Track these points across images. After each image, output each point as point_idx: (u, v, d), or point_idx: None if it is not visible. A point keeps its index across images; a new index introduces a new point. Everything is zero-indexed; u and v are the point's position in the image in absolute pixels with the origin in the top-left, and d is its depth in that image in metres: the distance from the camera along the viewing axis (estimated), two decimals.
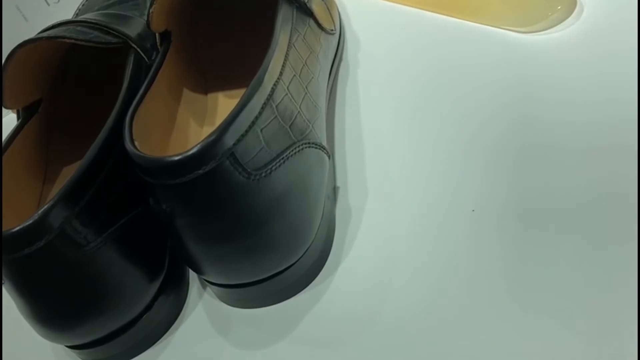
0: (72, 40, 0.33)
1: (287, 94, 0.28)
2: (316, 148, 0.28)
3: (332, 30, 0.38)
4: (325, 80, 0.35)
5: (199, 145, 0.23)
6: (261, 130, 0.25)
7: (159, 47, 0.35)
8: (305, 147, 0.27)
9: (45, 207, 0.24)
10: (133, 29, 0.37)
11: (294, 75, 0.29)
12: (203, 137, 0.35)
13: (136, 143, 0.25)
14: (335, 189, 0.33)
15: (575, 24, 0.35)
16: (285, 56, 0.29)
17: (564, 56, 0.35)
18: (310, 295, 0.30)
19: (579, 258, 0.28)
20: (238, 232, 0.25)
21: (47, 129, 0.38)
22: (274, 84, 0.27)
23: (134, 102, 0.28)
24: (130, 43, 0.36)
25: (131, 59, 0.36)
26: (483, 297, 0.28)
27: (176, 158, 0.23)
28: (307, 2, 0.35)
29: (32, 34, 0.35)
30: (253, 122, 0.24)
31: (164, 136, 0.32)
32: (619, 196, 0.29)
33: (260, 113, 0.25)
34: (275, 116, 0.26)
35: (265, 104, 0.26)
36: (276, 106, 0.26)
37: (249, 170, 0.24)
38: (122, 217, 0.28)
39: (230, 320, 0.30)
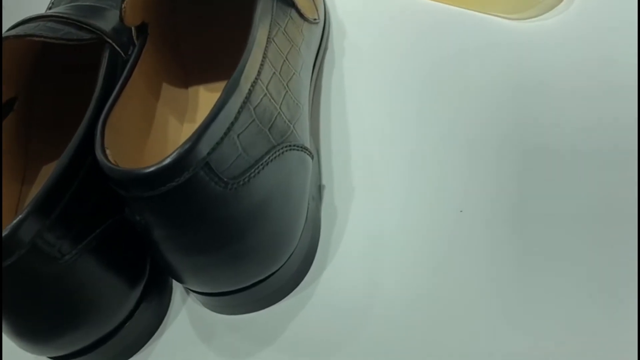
0: (42, 39, 0.32)
1: (266, 94, 0.26)
2: (298, 150, 0.27)
3: (315, 19, 0.36)
4: (309, 74, 0.33)
5: (171, 156, 0.21)
6: (238, 136, 0.24)
7: (135, 41, 0.34)
8: (286, 151, 0.26)
9: (14, 222, 0.23)
10: (108, 22, 0.36)
11: (274, 72, 0.28)
12: (183, 135, 0.35)
13: (108, 152, 0.24)
14: (320, 188, 0.32)
15: (569, 9, 0.34)
16: (264, 53, 0.28)
17: (556, 43, 0.34)
18: (296, 300, 0.29)
19: (569, 256, 0.27)
20: (216, 243, 0.24)
21: (25, 127, 0.37)
22: (252, 85, 0.25)
23: (107, 106, 0.27)
24: (105, 38, 0.34)
25: (106, 54, 0.34)
26: (472, 296, 0.27)
27: (148, 170, 0.22)
28: None
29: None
30: (229, 129, 0.23)
31: (141, 138, 0.31)
32: (614, 194, 0.28)
33: (236, 118, 0.24)
34: (253, 120, 0.25)
35: (242, 107, 0.24)
36: (254, 109, 0.25)
37: (225, 179, 0.23)
38: (98, 226, 0.27)
39: (214, 327, 0.29)
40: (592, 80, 0.32)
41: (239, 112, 0.24)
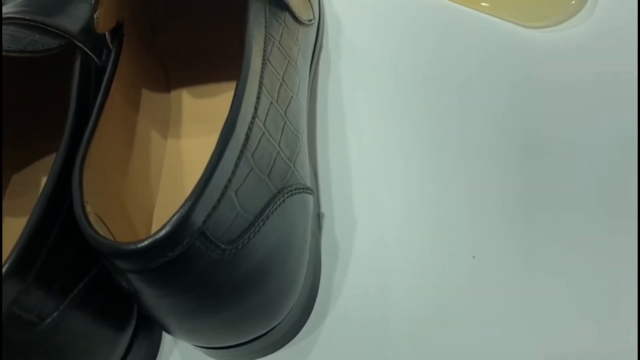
0: (3, 53, 0.28)
1: (264, 134, 0.24)
2: (299, 193, 0.25)
3: (310, 20, 0.33)
4: (306, 89, 0.30)
5: (164, 230, 0.19)
6: (236, 193, 0.21)
7: (110, 45, 0.30)
8: (288, 197, 0.24)
9: None
10: (75, 21, 0.32)
11: (271, 102, 0.25)
12: (167, 154, 0.32)
13: (88, 208, 0.22)
14: (320, 217, 0.30)
15: (588, 20, 0.31)
16: (260, 81, 0.25)
17: (570, 55, 0.31)
18: (297, 347, 0.27)
19: (577, 256, 0.26)
20: (212, 309, 0.22)
21: None
22: (249, 127, 0.23)
23: (83, 143, 0.24)
24: (75, 42, 0.31)
25: (77, 62, 0.30)
26: (482, 335, 0.26)
27: (137, 246, 0.19)
28: None
29: None
30: (226, 186, 0.21)
31: (123, 164, 0.28)
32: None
33: (234, 172, 0.21)
34: (252, 168, 0.22)
35: (239, 156, 0.22)
36: (252, 155, 0.22)
37: (222, 246, 0.20)
38: (80, 280, 0.24)
39: None
40: (601, 93, 0.30)
41: (236, 164, 0.21)
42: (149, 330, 0.29)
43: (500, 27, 0.33)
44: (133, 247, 0.19)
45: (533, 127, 0.31)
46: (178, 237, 0.19)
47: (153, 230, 0.28)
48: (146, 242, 0.19)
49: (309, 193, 0.26)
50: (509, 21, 0.33)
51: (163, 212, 0.29)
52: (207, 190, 0.20)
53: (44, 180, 0.34)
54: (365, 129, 0.32)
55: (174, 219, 0.19)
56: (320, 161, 0.31)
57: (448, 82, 0.33)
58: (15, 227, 0.32)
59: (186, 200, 0.19)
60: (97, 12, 0.27)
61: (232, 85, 0.34)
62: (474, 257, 0.27)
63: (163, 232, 0.19)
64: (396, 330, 0.26)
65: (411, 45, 0.35)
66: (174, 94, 0.34)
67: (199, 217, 0.20)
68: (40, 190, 0.34)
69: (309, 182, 0.26)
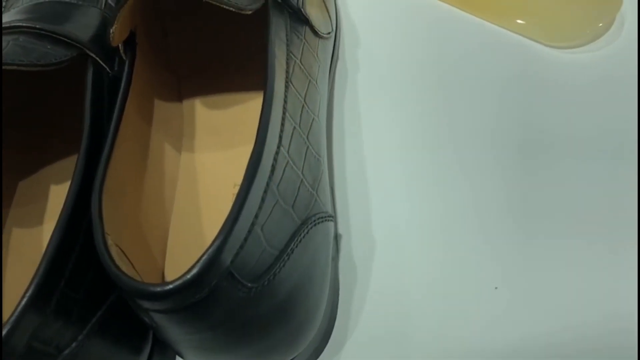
0: (14, 67, 0.27)
1: (288, 162, 0.23)
2: (322, 222, 0.24)
3: (329, 33, 0.32)
4: (325, 107, 0.30)
5: (190, 274, 0.18)
6: (262, 228, 0.21)
7: (123, 55, 0.30)
8: (311, 229, 0.23)
9: (6, 330, 0.20)
10: (85, 28, 0.31)
11: (294, 128, 0.25)
12: (182, 170, 0.31)
13: (109, 240, 0.21)
14: (337, 238, 0.29)
15: (613, 43, 0.30)
16: (284, 106, 0.24)
17: (592, 77, 0.31)
18: None
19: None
20: (236, 345, 0.21)
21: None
22: (274, 157, 0.22)
23: (101, 167, 0.24)
24: (87, 52, 0.30)
25: (90, 74, 0.30)
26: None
27: (164, 289, 0.18)
28: (302, 5, 0.29)
29: None
30: (253, 223, 0.20)
31: (138, 184, 0.28)
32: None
33: (260, 207, 0.21)
34: (277, 201, 0.22)
35: (265, 191, 0.21)
36: (277, 187, 0.22)
37: (248, 285, 0.20)
38: (98, 307, 0.24)
39: None
40: (616, 116, 0.30)
41: (262, 199, 0.21)
42: (164, 355, 0.28)
43: (521, 43, 0.33)
44: (160, 289, 0.18)
45: (549, 144, 0.30)
46: (206, 279, 0.19)
47: (169, 254, 0.28)
48: (174, 285, 0.18)
49: (330, 220, 0.25)
50: (533, 39, 0.32)
51: (178, 233, 0.28)
52: (235, 229, 0.19)
53: (52, 187, 0.33)
54: (383, 145, 0.32)
55: (202, 260, 0.19)
56: (337, 179, 0.31)
57: (470, 97, 0.32)
58: (23, 237, 0.32)
59: (214, 240, 0.19)
60: (114, 28, 0.27)
61: (246, 95, 0.33)
62: (496, 288, 0.27)
63: (191, 274, 0.18)
64: (416, 354, 0.26)
65: (431, 57, 0.34)
66: (186, 103, 0.34)
67: (227, 257, 0.19)
68: (48, 198, 0.33)
69: (329, 207, 0.26)
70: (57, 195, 0.33)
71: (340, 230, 0.29)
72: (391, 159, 0.31)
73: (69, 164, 0.34)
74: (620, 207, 0.28)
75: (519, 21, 0.31)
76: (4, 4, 0.34)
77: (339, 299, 0.28)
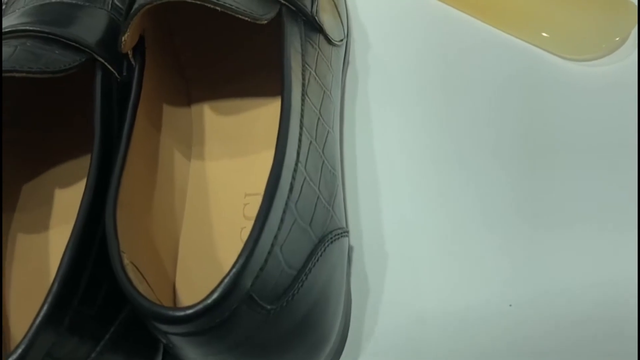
0: (23, 74, 0.26)
1: (305, 179, 0.23)
2: (338, 238, 0.24)
3: (342, 40, 0.32)
4: (338, 118, 0.29)
5: (211, 299, 0.18)
6: (281, 249, 0.20)
7: (132, 60, 0.29)
8: (328, 246, 0.23)
9: (19, 350, 0.20)
10: (93, 32, 0.30)
11: (310, 142, 0.24)
12: (191, 179, 0.31)
13: (125, 260, 0.21)
14: (349, 250, 0.29)
15: (628, 58, 0.30)
16: (300, 121, 0.24)
17: (606, 91, 0.31)
18: None
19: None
20: None
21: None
22: (292, 176, 0.22)
23: (114, 181, 0.23)
24: (96, 56, 0.29)
25: (98, 79, 0.29)
26: None
27: (184, 313, 0.18)
28: (316, 13, 0.29)
29: None
30: (272, 244, 0.20)
31: (149, 194, 0.27)
32: None
33: (279, 228, 0.20)
34: (295, 220, 0.21)
35: (284, 210, 0.21)
36: (295, 205, 0.22)
37: (267, 307, 0.20)
38: (110, 324, 0.23)
39: None
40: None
41: (282, 219, 0.20)
42: None
43: (535, 53, 0.32)
44: (180, 314, 0.18)
45: (557, 150, 0.30)
46: (227, 303, 0.18)
47: (180, 266, 0.27)
48: (194, 310, 0.18)
49: (345, 235, 0.25)
50: (547, 51, 0.32)
51: (189, 244, 0.28)
52: (256, 252, 0.19)
53: (57, 192, 0.33)
54: (395, 153, 0.31)
55: (223, 284, 0.18)
56: (349, 187, 0.31)
57: (482, 103, 0.32)
58: (28, 243, 0.31)
59: (235, 264, 0.19)
60: (126, 35, 0.26)
61: (257, 101, 0.32)
62: (510, 305, 0.26)
63: (212, 298, 0.18)
64: None
65: (443, 63, 0.34)
66: (196, 109, 0.33)
67: (247, 281, 0.19)
68: (53, 203, 0.33)
69: (344, 222, 0.26)
70: (63, 200, 0.33)
71: (352, 242, 0.29)
72: (403, 167, 0.31)
73: (75, 168, 0.34)
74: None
75: (543, 34, 0.31)
76: (3, 4, 0.33)
77: (352, 310, 0.28)
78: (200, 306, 0.18)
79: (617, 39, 0.30)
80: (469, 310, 0.27)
